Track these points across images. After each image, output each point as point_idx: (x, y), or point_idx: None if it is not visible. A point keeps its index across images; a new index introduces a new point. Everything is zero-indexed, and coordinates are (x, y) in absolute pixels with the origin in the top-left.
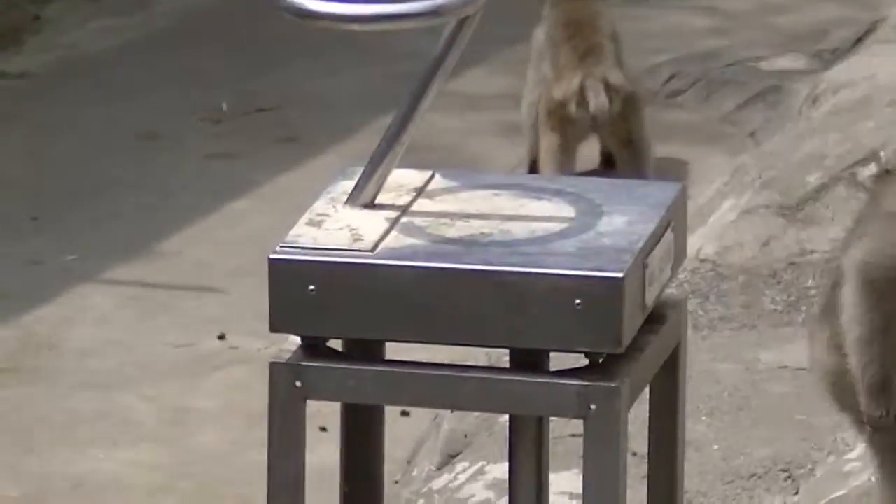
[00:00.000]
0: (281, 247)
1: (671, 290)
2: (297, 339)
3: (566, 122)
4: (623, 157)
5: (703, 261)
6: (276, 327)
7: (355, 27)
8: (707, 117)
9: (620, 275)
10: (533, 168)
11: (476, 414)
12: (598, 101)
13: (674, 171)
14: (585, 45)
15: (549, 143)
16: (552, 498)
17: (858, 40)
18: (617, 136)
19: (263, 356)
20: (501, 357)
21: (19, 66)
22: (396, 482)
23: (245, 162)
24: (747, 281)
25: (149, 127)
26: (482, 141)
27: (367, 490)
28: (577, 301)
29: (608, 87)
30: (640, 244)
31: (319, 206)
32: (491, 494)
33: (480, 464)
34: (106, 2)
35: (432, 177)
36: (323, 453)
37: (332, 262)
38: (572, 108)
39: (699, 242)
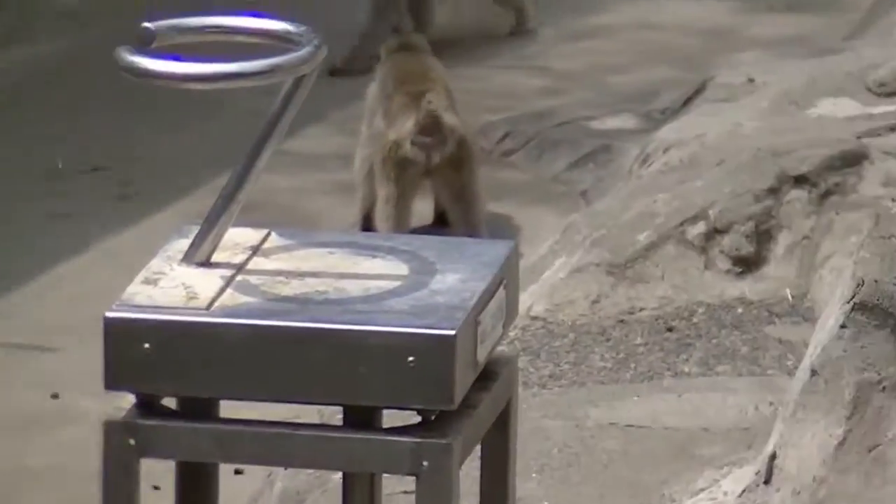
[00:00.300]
0: (116, 305)
1: (502, 348)
2: (131, 398)
3: (402, 168)
4: (456, 212)
5: (533, 318)
6: (110, 385)
7: (193, 86)
8: (539, 176)
9: (453, 332)
10: (366, 223)
11: (310, 471)
12: (434, 137)
13: (506, 229)
14: (418, 89)
15: (385, 193)
16: None
17: (687, 101)
18: (450, 188)
19: (98, 415)
20: (335, 414)
21: None
22: None
23: (82, 220)
24: (577, 338)
25: None
26: (317, 200)
27: None
28: (410, 358)
29: (443, 125)
30: (473, 302)
31: (156, 264)
32: None
33: None
34: None
35: (268, 235)
36: None
37: (166, 320)
38: (407, 147)
39: (530, 300)
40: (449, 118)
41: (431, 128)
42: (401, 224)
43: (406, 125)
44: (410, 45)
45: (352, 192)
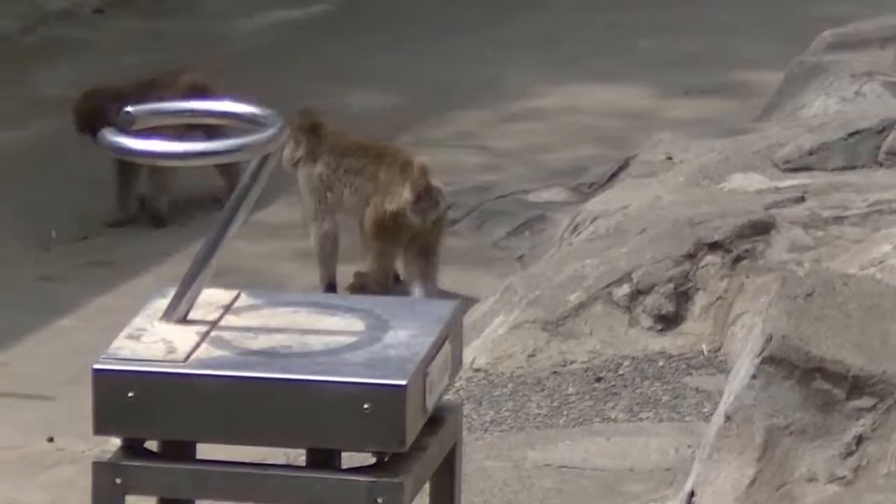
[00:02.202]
0: (103, 358)
1: (449, 396)
2: (118, 441)
3: (399, 232)
4: (420, 266)
5: (476, 370)
6: (99, 430)
7: (169, 163)
8: (480, 243)
9: (404, 382)
10: (331, 290)
11: None
12: (429, 202)
13: (451, 290)
14: (400, 160)
15: (382, 254)
16: None
17: (612, 176)
18: (421, 245)
19: (88, 456)
20: (299, 456)
21: None
22: None
23: (70, 283)
24: (515, 388)
25: None
26: (282, 265)
27: None
28: (366, 406)
29: (434, 190)
30: (422, 355)
31: (138, 321)
32: None
33: None
34: None
35: (238, 296)
36: None
37: (148, 371)
38: (409, 215)
39: (473, 354)
40: (437, 182)
41: (426, 193)
42: (392, 278)
43: (403, 194)
44: (321, 121)
45: (312, 259)
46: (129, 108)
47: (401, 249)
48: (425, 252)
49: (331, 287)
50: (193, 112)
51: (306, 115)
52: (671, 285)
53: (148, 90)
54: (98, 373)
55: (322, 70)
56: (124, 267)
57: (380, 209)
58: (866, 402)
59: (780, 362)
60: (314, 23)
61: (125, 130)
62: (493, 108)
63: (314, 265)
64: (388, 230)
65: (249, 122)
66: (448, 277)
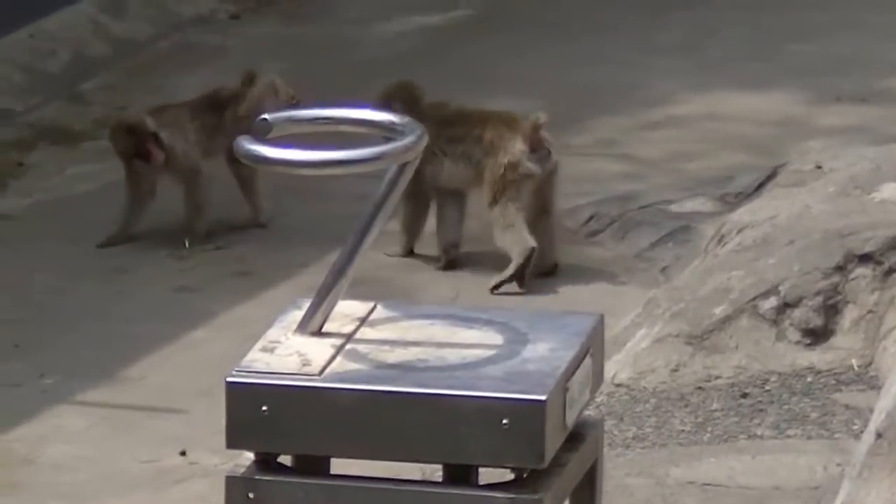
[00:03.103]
0: (237, 371)
1: (589, 412)
2: (251, 455)
3: (519, 186)
4: (543, 222)
5: (618, 385)
6: (231, 444)
7: (306, 171)
8: (622, 254)
9: (543, 397)
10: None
11: None
12: (541, 151)
13: (592, 302)
14: (502, 118)
15: (510, 212)
16: None
17: (760, 185)
18: (540, 200)
19: (221, 470)
20: (435, 471)
21: (2, 209)
22: None
23: (204, 294)
24: (658, 404)
25: (120, 262)
26: (419, 275)
27: None
28: (505, 421)
29: (544, 140)
30: (562, 369)
31: (272, 333)
32: None
33: None
34: (84, 150)
35: (374, 308)
36: None
37: (282, 384)
38: (525, 164)
39: (615, 368)
40: (546, 134)
41: (538, 144)
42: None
43: (516, 146)
44: (418, 93)
45: (452, 268)
46: (265, 116)
47: (523, 209)
48: (543, 209)
49: (410, 253)
50: (331, 119)
51: (402, 87)
52: (820, 298)
53: (218, 102)
54: (231, 386)
55: (460, 75)
56: (259, 277)
57: (496, 166)
58: None
59: None
60: (453, 28)
61: (260, 139)
62: (635, 114)
63: (456, 275)
64: (508, 186)
65: (387, 130)
66: (589, 289)
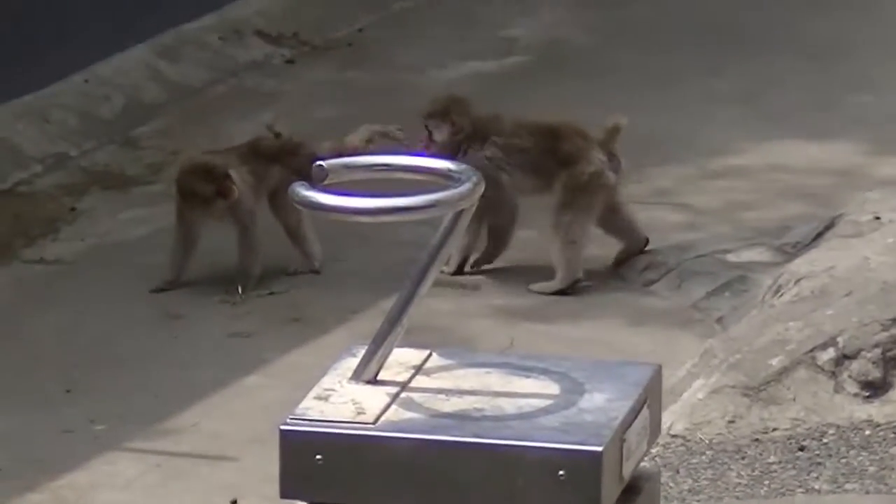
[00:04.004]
0: (291, 419)
1: (646, 464)
2: None
3: (597, 194)
4: (623, 223)
5: (674, 436)
6: (285, 493)
7: (362, 219)
8: (679, 304)
9: (600, 448)
10: (462, 266)
11: None
12: (615, 161)
13: (649, 352)
14: (574, 128)
15: (583, 222)
16: None
17: (818, 236)
18: (611, 204)
19: None
20: None
21: (55, 253)
22: None
23: (257, 340)
24: (715, 456)
25: (173, 308)
26: (474, 323)
27: None
28: (561, 472)
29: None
30: (619, 420)
31: (327, 381)
32: None
33: None
34: (136, 194)
35: (429, 356)
36: None
37: (337, 433)
38: (608, 175)
39: (670, 419)
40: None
41: (612, 153)
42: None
43: (598, 159)
44: (469, 105)
45: (507, 316)
46: (321, 162)
47: (592, 223)
48: (616, 208)
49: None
50: (388, 166)
51: (456, 101)
52: (878, 350)
53: (260, 150)
54: (285, 434)
55: None
56: (312, 323)
57: (576, 176)
58: None
59: None
60: (507, 75)
61: (317, 185)
62: (693, 164)
63: (511, 322)
64: (588, 194)
65: (444, 177)
66: (645, 338)
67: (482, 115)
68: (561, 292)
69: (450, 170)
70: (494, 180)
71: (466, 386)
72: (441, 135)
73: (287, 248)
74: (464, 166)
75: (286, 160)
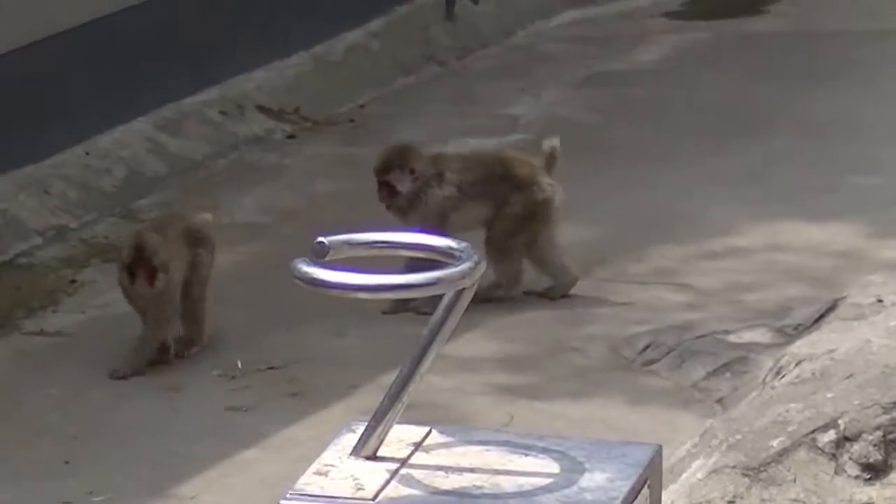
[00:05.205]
0: (290, 493)
1: None
2: None
3: (546, 219)
4: (548, 253)
5: None
6: None
7: (362, 296)
8: (679, 384)
9: None
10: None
11: None
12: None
13: (648, 432)
14: (527, 158)
15: (517, 250)
16: None
17: (819, 318)
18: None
19: None
20: None
21: (55, 325)
22: None
23: (256, 414)
24: None
25: (172, 380)
26: (474, 400)
27: None
28: None
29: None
30: (619, 500)
31: (326, 456)
32: None
33: None
34: None
35: (429, 432)
36: None
37: None
38: (557, 200)
39: (670, 498)
40: None
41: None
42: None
43: (549, 185)
44: (418, 151)
45: (506, 393)
46: (322, 239)
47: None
48: (553, 240)
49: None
50: (388, 244)
51: (402, 151)
52: (880, 433)
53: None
54: None
55: None
56: (312, 398)
57: (529, 203)
58: None
59: None
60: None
61: (318, 261)
62: (695, 243)
63: (509, 399)
64: (537, 220)
65: (444, 255)
66: (645, 418)
67: (431, 155)
68: (501, 298)
69: (451, 248)
70: (449, 217)
71: (466, 463)
72: (405, 185)
73: (292, 321)
74: (465, 244)
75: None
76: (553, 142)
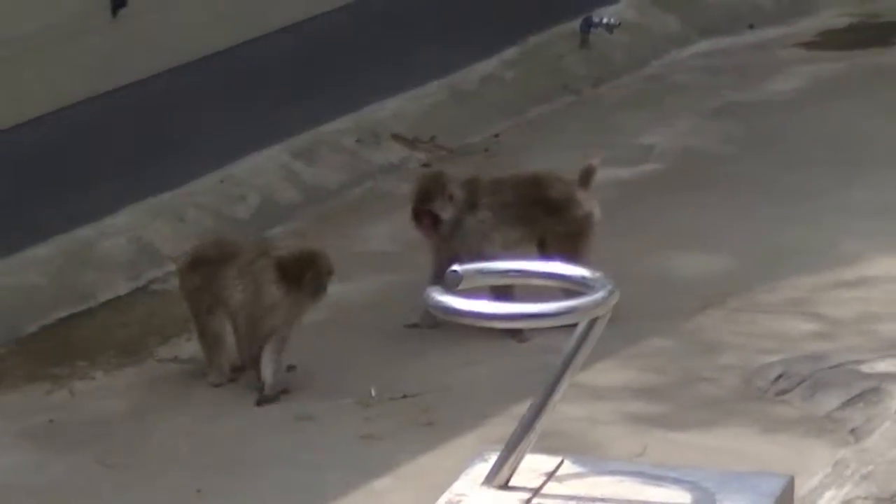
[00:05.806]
0: None
1: None
2: None
3: (591, 234)
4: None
5: None
6: None
7: (496, 325)
8: (811, 414)
9: None
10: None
11: None
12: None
13: (780, 462)
14: (561, 176)
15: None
16: None
17: None
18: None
19: None
20: None
21: (189, 352)
22: None
23: (389, 443)
24: None
25: (306, 409)
26: (607, 429)
27: None
28: None
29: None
30: None
31: (458, 486)
32: None
33: None
34: None
35: (561, 462)
36: None
37: None
38: (596, 214)
39: None
40: None
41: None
42: None
43: (589, 202)
44: (447, 176)
45: (639, 423)
46: (455, 268)
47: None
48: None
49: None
50: (521, 273)
51: (436, 179)
52: None
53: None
54: None
55: (647, 230)
56: (444, 427)
57: (570, 220)
58: None
59: None
60: (644, 181)
61: (451, 290)
62: (827, 274)
63: (642, 430)
64: (584, 235)
65: (578, 284)
66: (777, 448)
67: (465, 181)
68: None
69: (584, 277)
70: (489, 240)
71: (598, 494)
72: (446, 212)
73: (423, 353)
74: (598, 274)
75: None
76: (593, 160)
